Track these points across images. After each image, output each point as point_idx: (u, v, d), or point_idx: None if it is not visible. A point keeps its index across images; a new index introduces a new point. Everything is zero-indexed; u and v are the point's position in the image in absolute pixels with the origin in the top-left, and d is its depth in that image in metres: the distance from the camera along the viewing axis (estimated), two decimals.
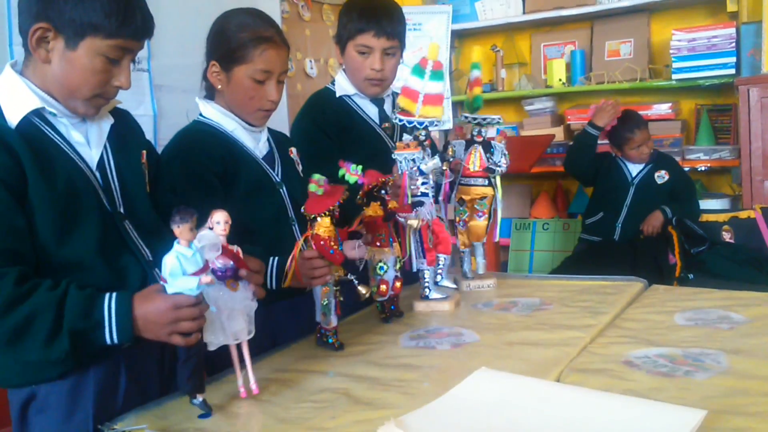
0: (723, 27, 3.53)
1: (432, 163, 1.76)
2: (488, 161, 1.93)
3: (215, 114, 1.78)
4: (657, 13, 3.93)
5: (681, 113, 3.87)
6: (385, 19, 2.06)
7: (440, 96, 1.77)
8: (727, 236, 3.29)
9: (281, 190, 1.80)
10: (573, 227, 3.98)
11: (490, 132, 2.01)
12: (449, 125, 4.00)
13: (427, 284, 1.83)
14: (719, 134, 3.73)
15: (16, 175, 1.24)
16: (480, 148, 1.94)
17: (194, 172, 1.68)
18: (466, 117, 1.95)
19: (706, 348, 1.38)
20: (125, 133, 1.48)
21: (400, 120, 1.78)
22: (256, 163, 1.78)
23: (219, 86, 1.76)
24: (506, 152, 1.94)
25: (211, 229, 1.21)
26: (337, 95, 2.17)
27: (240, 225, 1.28)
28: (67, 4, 1.26)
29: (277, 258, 1.59)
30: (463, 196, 1.97)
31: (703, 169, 3.66)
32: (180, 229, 1.14)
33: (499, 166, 1.93)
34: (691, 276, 3.02)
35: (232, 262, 1.22)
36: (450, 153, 1.93)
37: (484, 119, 1.92)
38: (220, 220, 1.21)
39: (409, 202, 1.74)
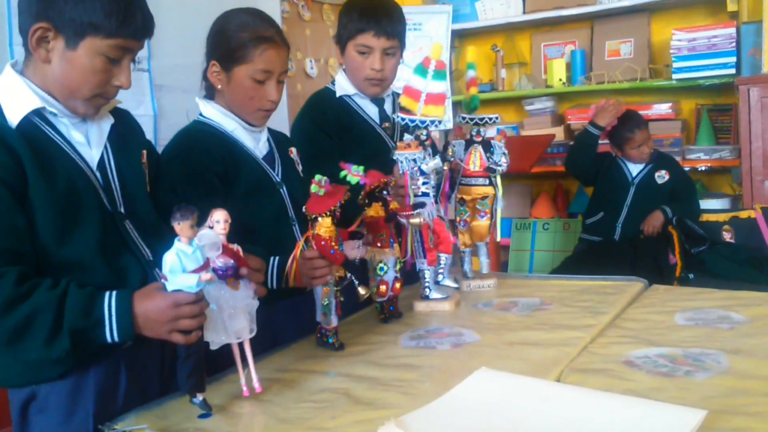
0: (723, 27, 3.52)
1: (433, 163, 1.76)
2: (488, 161, 1.93)
3: (215, 114, 1.78)
4: (657, 12, 3.93)
5: (681, 113, 3.87)
6: (385, 19, 2.06)
7: (442, 96, 1.77)
8: (727, 236, 3.29)
9: (281, 190, 1.80)
10: (573, 227, 3.97)
11: (490, 131, 2.01)
12: (449, 125, 4.00)
13: (427, 284, 1.83)
14: (719, 134, 3.73)
15: (17, 175, 1.24)
16: (480, 148, 1.94)
17: (194, 172, 1.68)
18: (464, 117, 1.95)
19: (707, 348, 1.38)
20: (125, 132, 1.48)
21: (402, 119, 1.78)
22: (257, 163, 1.78)
23: (219, 86, 1.76)
24: (506, 151, 1.94)
25: (210, 228, 1.21)
26: (337, 95, 2.17)
27: (240, 225, 1.29)
28: (67, 4, 1.26)
29: (277, 257, 1.59)
30: (464, 196, 1.96)
31: (703, 168, 3.66)
32: (180, 226, 1.15)
33: (500, 166, 1.93)
34: (691, 276, 3.02)
35: (232, 261, 1.22)
36: (450, 153, 1.93)
37: (482, 119, 1.92)
38: (219, 219, 1.21)
39: (412, 202, 1.74)
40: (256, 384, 1.29)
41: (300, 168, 1.92)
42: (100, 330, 1.19)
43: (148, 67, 2.80)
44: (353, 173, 1.54)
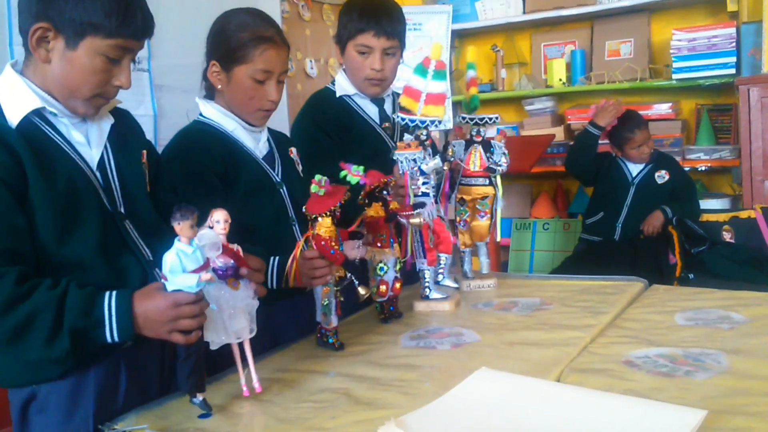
0: (723, 27, 3.52)
1: (433, 163, 1.76)
2: (488, 161, 1.93)
3: (215, 114, 1.78)
4: (657, 12, 3.93)
5: (681, 113, 3.87)
6: (385, 19, 2.06)
7: (443, 96, 1.77)
8: (727, 236, 3.29)
9: (281, 190, 1.80)
10: (573, 227, 3.97)
11: (490, 131, 2.01)
12: (449, 125, 4.00)
13: (427, 284, 1.83)
14: (719, 134, 3.73)
15: (17, 175, 1.24)
16: (480, 148, 1.94)
17: (194, 172, 1.68)
18: (464, 118, 1.95)
19: (707, 348, 1.38)
20: (125, 132, 1.48)
21: (402, 119, 1.78)
22: (257, 163, 1.78)
23: (219, 86, 1.76)
24: (506, 151, 1.94)
25: (210, 228, 1.21)
26: (338, 95, 2.17)
27: (240, 225, 1.29)
28: (68, 4, 1.26)
29: (277, 257, 1.59)
30: (464, 196, 1.97)
31: (703, 168, 3.66)
32: (180, 226, 1.15)
33: (500, 166, 1.93)
34: (691, 276, 3.02)
35: (232, 261, 1.22)
36: (450, 153, 1.93)
37: (482, 119, 1.92)
38: (219, 219, 1.21)
39: (412, 203, 1.74)
40: (256, 384, 1.29)
41: (300, 168, 1.92)
42: (100, 330, 1.19)
43: (148, 67, 2.80)
44: (353, 173, 1.54)
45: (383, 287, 1.69)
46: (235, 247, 1.24)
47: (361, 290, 1.59)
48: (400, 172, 1.77)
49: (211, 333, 1.24)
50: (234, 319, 1.25)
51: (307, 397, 1.30)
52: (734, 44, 3.48)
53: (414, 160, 1.76)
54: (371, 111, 2.19)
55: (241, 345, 1.29)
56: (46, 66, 1.31)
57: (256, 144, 1.82)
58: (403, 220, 1.72)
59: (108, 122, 1.44)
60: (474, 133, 1.93)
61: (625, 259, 3.08)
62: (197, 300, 1.18)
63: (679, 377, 1.25)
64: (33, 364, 1.28)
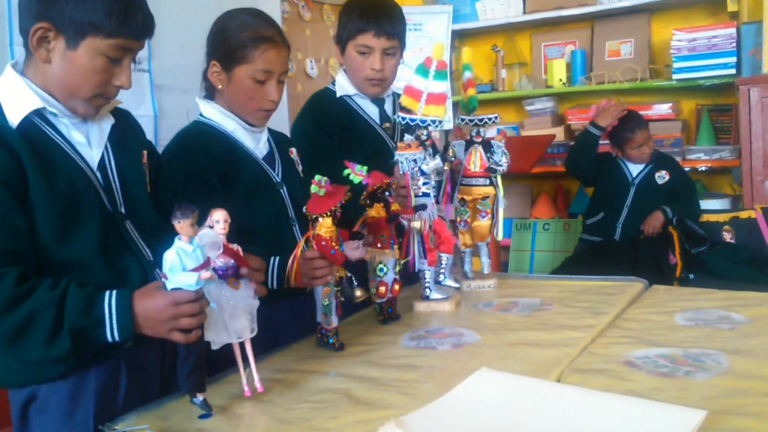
0: (723, 27, 3.52)
1: (433, 164, 1.76)
2: (489, 161, 1.93)
3: (215, 114, 1.78)
4: (657, 13, 3.93)
5: (681, 113, 3.87)
6: (385, 19, 2.06)
7: (443, 96, 1.77)
8: (727, 236, 3.29)
9: (281, 191, 1.80)
10: (573, 227, 3.97)
11: (490, 131, 2.01)
12: (450, 125, 4.00)
13: (427, 284, 1.83)
14: (720, 134, 3.73)
15: (17, 175, 1.24)
16: (480, 148, 1.94)
17: (195, 172, 1.68)
18: (463, 119, 1.95)
19: (707, 348, 1.38)
20: (126, 133, 1.48)
21: (403, 119, 1.78)
22: (257, 163, 1.78)
23: (219, 86, 1.76)
24: (506, 151, 1.94)
25: (210, 227, 1.21)
26: (338, 95, 2.17)
27: (240, 225, 1.29)
28: (68, 4, 1.26)
29: (278, 257, 1.59)
30: (465, 197, 1.97)
31: (703, 169, 3.66)
32: (181, 225, 1.15)
33: (501, 166, 1.93)
34: (691, 276, 3.02)
35: (233, 261, 1.22)
36: (450, 153, 1.93)
37: (481, 119, 1.92)
38: (219, 218, 1.21)
39: (413, 204, 1.74)
40: (257, 384, 1.29)
41: (300, 168, 1.92)
42: (100, 329, 1.19)
43: (149, 68, 2.80)
44: (357, 173, 1.54)
45: (382, 288, 1.69)
46: (235, 246, 1.24)
47: (358, 292, 1.59)
48: (401, 172, 1.77)
49: (212, 333, 1.24)
50: (235, 319, 1.25)
51: (307, 397, 1.30)
52: (734, 44, 3.48)
53: (414, 160, 1.76)
54: (371, 111, 2.19)
55: (241, 345, 1.29)
56: (46, 66, 1.31)
57: (257, 144, 1.82)
58: (405, 222, 1.72)
59: (108, 122, 1.44)
60: (474, 134, 1.94)
61: (626, 260, 3.08)
62: (197, 298, 1.18)
63: (680, 377, 1.25)
64: (33, 365, 1.28)
